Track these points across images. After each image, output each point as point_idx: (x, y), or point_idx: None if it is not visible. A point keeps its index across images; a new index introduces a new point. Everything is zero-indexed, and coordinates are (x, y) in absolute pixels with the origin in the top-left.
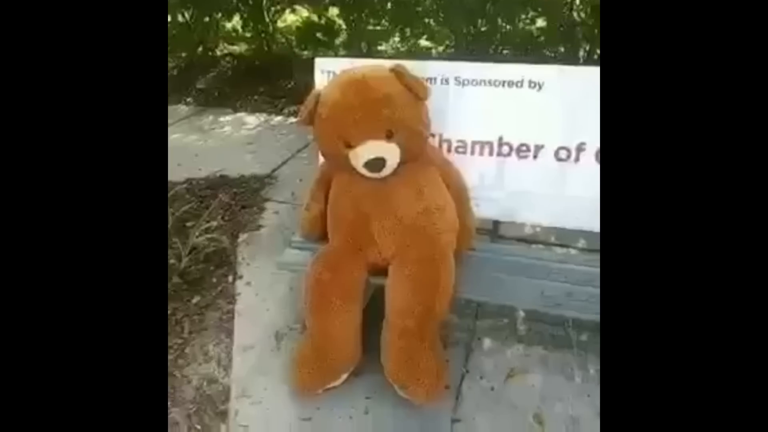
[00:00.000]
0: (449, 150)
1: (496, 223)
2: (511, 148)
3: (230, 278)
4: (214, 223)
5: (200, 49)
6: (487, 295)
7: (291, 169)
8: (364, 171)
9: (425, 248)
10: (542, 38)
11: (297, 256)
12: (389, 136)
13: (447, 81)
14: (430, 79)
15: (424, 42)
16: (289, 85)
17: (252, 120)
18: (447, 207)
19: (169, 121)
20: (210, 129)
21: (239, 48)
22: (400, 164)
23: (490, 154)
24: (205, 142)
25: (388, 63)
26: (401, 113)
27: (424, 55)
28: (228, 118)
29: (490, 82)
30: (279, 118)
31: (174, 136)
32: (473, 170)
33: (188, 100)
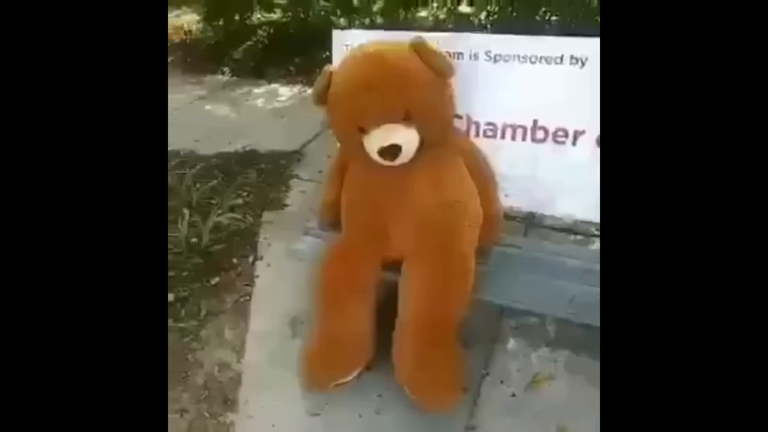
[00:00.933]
0: (477, 134)
1: (529, 216)
2: (546, 132)
3: (251, 259)
4: (240, 201)
5: (237, 17)
6: (510, 299)
7: (319, 145)
8: (377, 158)
9: (443, 245)
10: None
11: (311, 244)
12: (407, 119)
13: (476, 56)
14: (458, 54)
15: (464, 8)
16: (325, 56)
17: (285, 92)
18: (470, 200)
19: (205, 91)
20: (243, 101)
21: (275, 15)
22: (419, 150)
23: (523, 139)
24: (238, 115)
25: (409, 36)
26: (421, 93)
27: (464, 23)
28: (262, 89)
29: (525, 57)
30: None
31: (208, 107)
32: (503, 157)
33: (224, 70)
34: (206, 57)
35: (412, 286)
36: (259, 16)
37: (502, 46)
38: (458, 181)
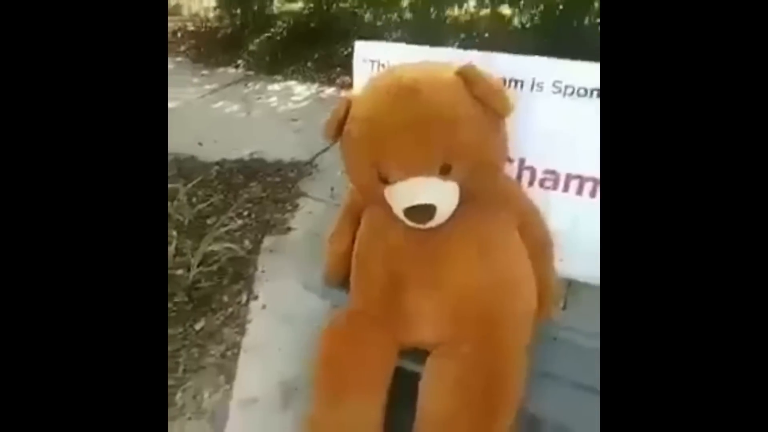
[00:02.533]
0: (531, 183)
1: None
2: None
3: (244, 298)
4: (239, 222)
5: (256, 6)
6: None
7: (334, 157)
8: (404, 218)
9: (486, 338)
10: None
11: (314, 304)
12: (445, 172)
13: (541, 87)
14: (516, 82)
15: (505, 10)
16: (346, 52)
17: (302, 90)
18: (524, 278)
19: (215, 86)
20: (255, 98)
21: (296, 5)
22: (458, 207)
23: (593, 194)
24: (247, 114)
25: (456, 56)
26: (466, 138)
27: (501, 25)
28: (276, 87)
29: (599, 92)
30: (331, 90)
31: (216, 105)
32: (564, 212)
33: (239, 62)
34: (220, 47)
35: (440, 386)
36: (279, 5)
37: (575, 75)
38: (511, 250)
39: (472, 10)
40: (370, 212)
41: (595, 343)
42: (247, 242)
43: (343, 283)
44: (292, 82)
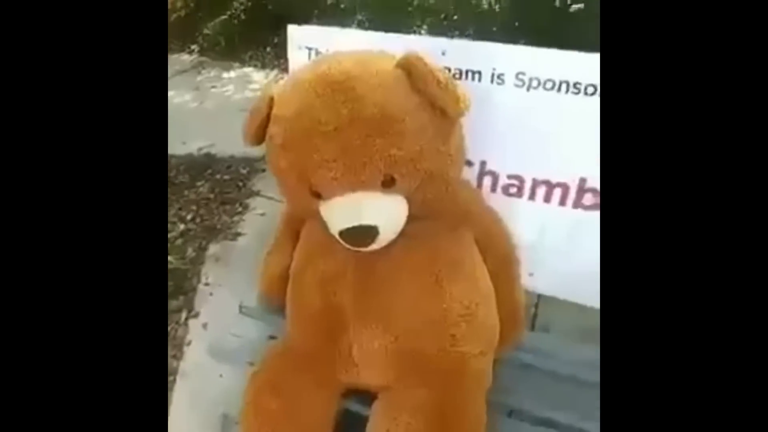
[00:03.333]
0: (494, 189)
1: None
2: (597, 196)
3: (183, 316)
4: (180, 228)
5: None
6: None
7: None
8: (341, 241)
9: (441, 383)
10: None
11: (248, 333)
12: (388, 185)
13: (502, 79)
14: (473, 73)
15: None
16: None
17: (260, 78)
18: (485, 307)
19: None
20: (209, 87)
21: None
22: (407, 224)
23: (562, 202)
24: (199, 104)
25: (405, 43)
26: (411, 143)
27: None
28: (232, 74)
29: (576, 85)
30: None
31: (168, 94)
32: (531, 223)
33: (192, 47)
34: (173, 31)
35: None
36: None
37: (543, 65)
38: (469, 274)
39: None
40: (309, 227)
41: (571, 370)
42: (189, 250)
43: (283, 305)
44: (249, 69)
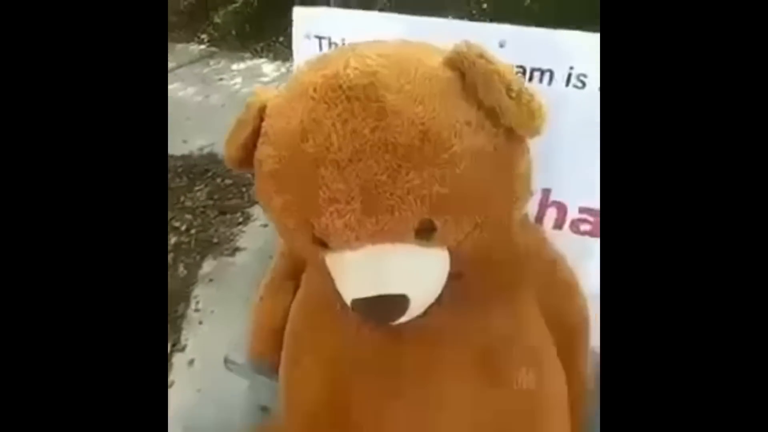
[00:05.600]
0: (560, 225)
1: None
2: None
3: (168, 347)
4: (172, 240)
5: None
6: None
7: None
8: (354, 311)
9: None
10: None
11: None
12: (426, 234)
13: (582, 80)
14: (541, 72)
15: None
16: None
17: (270, 70)
18: (555, 401)
19: (172, 64)
20: (216, 79)
21: None
22: (447, 285)
23: None
24: (205, 98)
25: (439, 28)
26: (464, 177)
27: None
28: (241, 65)
29: None
30: None
31: (171, 87)
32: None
33: (202, 37)
34: (182, 20)
35: None
36: None
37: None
38: (534, 356)
39: None
40: (310, 276)
41: None
42: (181, 267)
43: (274, 366)
44: (260, 60)
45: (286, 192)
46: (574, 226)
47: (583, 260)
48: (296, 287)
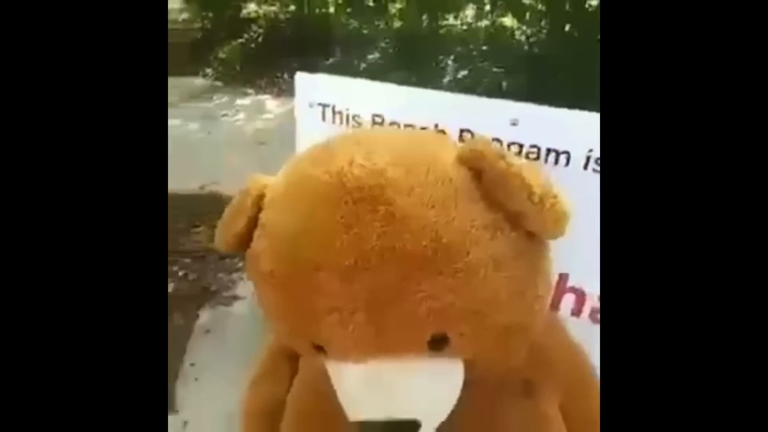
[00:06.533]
0: (577, 313)
1: None
2: None
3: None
4: (169, 287)
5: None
6: None
7: None
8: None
9: None
10: None
11: None
12: (438, 346)
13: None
14: (557, 153)
15: (507, 20)
16: (329, 63)
17: (273, 106)
18: None
19: (175, 99)
20: (220, 115)
21: (273, 8)
22: (463, 392)
23: None
24: (207, 134)
25: (448, 101)
26: (480, 288)
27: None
28: (245, 101)
29: None
30: None
31: (172, 123)
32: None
33: (207, 71)
34: (186, 54)
35: None
36: (255, 7)
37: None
38: None
39: (469, 20)
40: (308, 371)
41: None
42: (177, 317)
43: None
44: (264, 96)
45: (283, 294)
46: (594, 315)
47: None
48: (290, 374)
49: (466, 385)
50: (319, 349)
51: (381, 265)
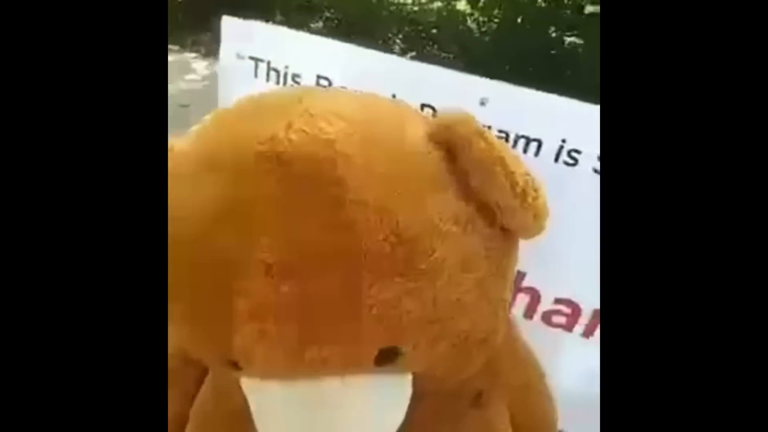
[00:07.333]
0: (530, 314)
1: None
2: None
3: None
4: None
5: None
6: None
7: None
8: None
9: None
10: None
11: None
12: (386, 360)
13: (574, 157)
14: (526, 140)
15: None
16: (275, 21)
17: (201, 68)
18: None
19: None
20: None
21: None
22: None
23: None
24: None
25: (404, 67)
26: (443, 292)
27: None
28: (169, 59)
29: None
30: None
31: None
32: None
33: None
34: None
35: None
36: None
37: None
38: None
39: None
40: (218, 381)
41: None
42: None
43: None
44: (190, 55)
45: (187, 293)
46: (547, 317)
47: (554, 355)
48: (199, 377)
49: (414, 399)
50: (234, 365)
51: (321, 263)
